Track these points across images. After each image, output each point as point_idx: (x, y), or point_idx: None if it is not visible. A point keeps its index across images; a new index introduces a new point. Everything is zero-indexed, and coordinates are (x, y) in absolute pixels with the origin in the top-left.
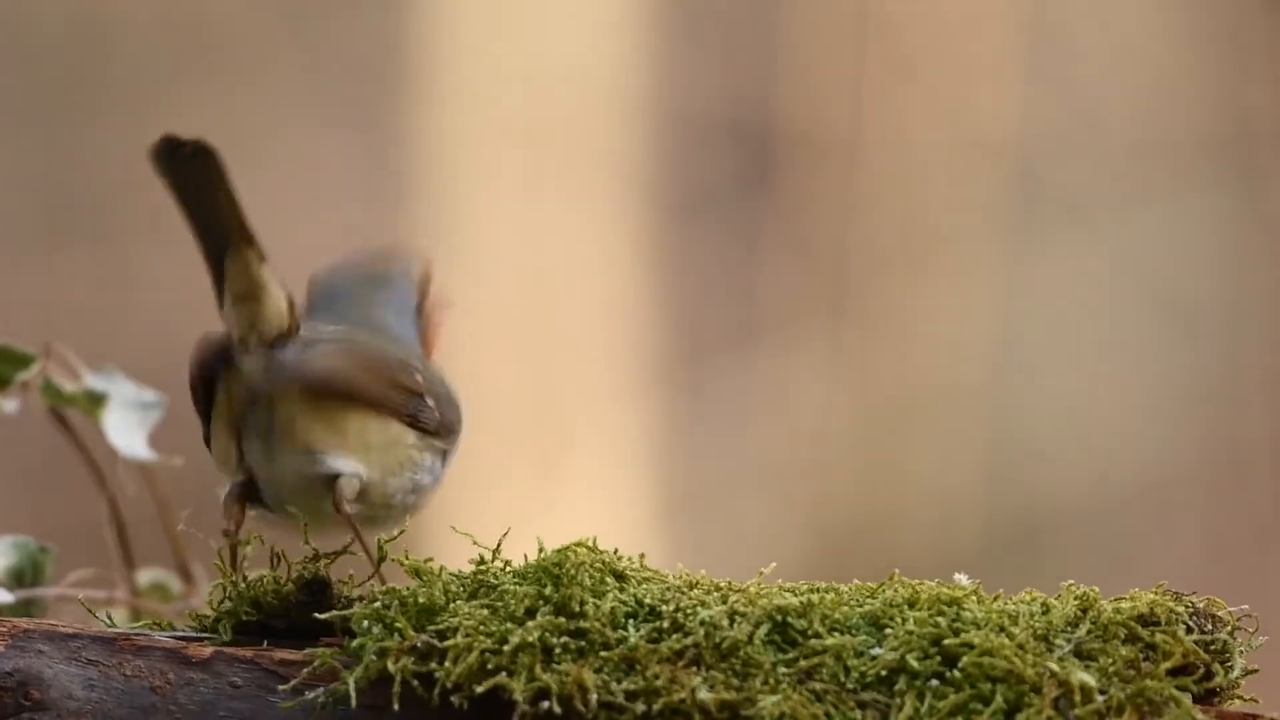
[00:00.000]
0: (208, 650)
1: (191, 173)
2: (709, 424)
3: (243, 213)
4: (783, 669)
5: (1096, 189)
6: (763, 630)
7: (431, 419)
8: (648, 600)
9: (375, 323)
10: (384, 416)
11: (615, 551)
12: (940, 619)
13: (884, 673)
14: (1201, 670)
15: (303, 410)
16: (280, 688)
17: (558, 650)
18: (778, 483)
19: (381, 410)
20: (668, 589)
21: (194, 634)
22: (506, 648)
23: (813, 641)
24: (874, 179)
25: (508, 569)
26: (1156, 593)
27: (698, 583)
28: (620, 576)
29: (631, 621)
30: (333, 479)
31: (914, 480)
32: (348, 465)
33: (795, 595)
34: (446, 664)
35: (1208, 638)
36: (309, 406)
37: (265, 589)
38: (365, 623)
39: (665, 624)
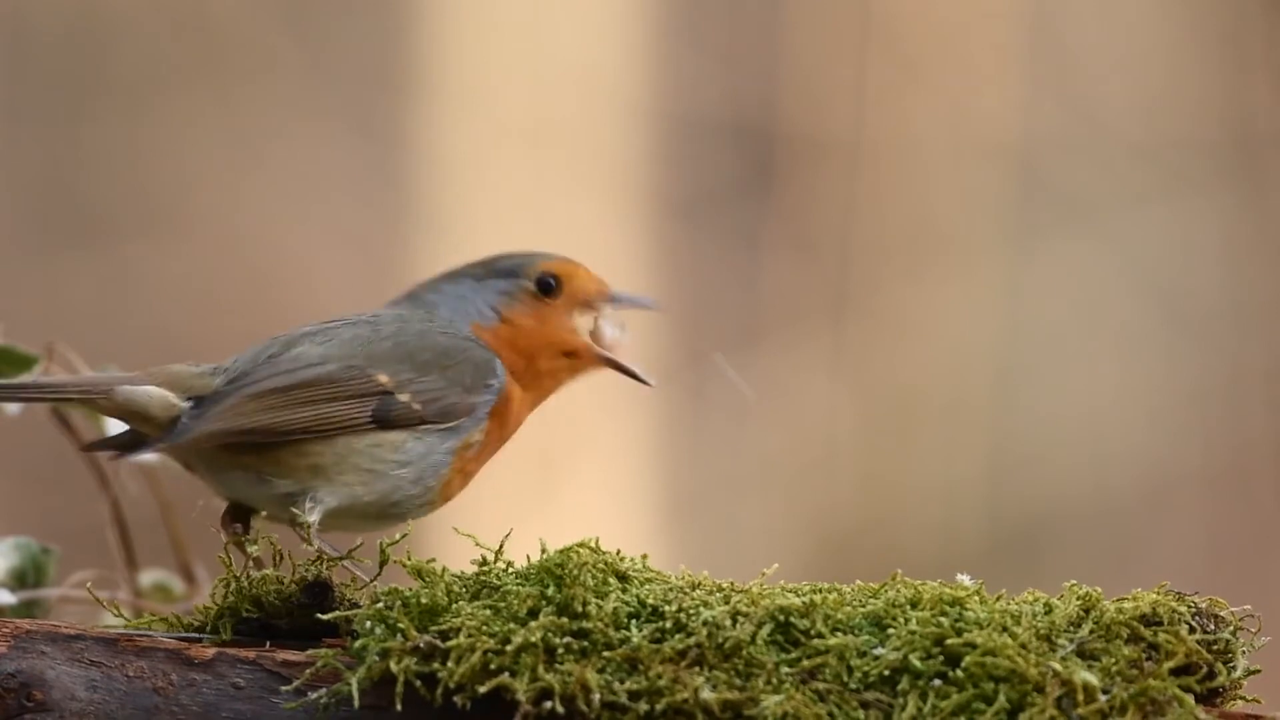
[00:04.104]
0: (210, 651)
1: None
2: (711, 425)
3: None
4: (785, 669)
5: (1098, 190)
6: (765, 630)
7: (406, 412)
8: (650, 601)
9: (413, 306)
10: (322, 437)
11: (618, 552)
12: (943, 619)
13: (887, 672)
14: (1204, 670)
15: (226, 454)
16: (283, 689)
17: (560, 650)
18: (780, 483)
19: (312, 434)
20: (670, 590)
21: (196, 635)
22: (509, 648)
23: (815, 641)
24: (876, 180)
25: (510, 570)
26: (1159, 593)
27: (700, 583)
28: (623, 577)
29: (634, 622)
30: (286, 497)
31: (916, 480)
32: (293, 487)
33: (798, 596)
34: (449, 664)
35: (1210, 637)
36: (229, 452)
37: (268, 588)
38: (368, 623)
39: (668, 624)
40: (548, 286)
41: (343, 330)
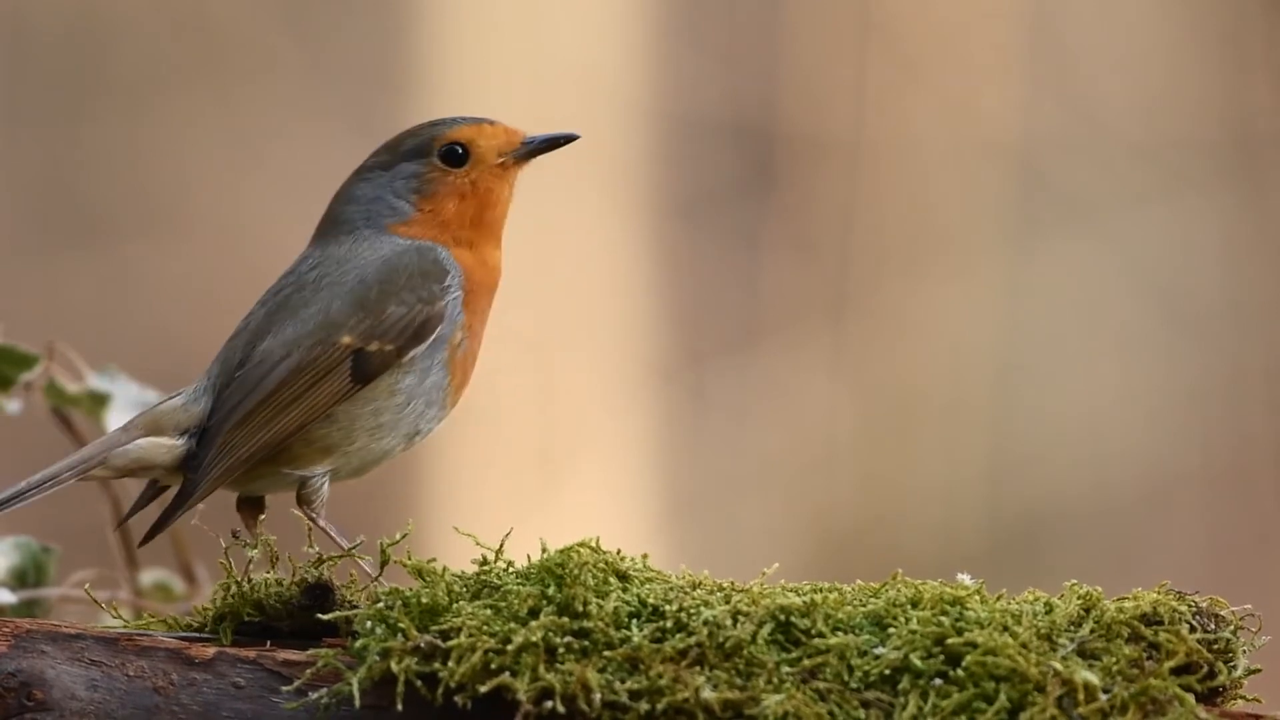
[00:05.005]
0: (210, 651)
1: None
2: (712, 425)
3: None
4: (786, 668)
5: (1099, 189)
6: (766, 630)
7: (380, 358)
8: (651, 600)
9: (337, 230)
10: (321, 420)
11: (618, 552)
12: (943, 618)
13: (887, 672)
14: (1205, 669)
15: (244, 473)
16: (284, 688)
17: (561, 650)
18: (780, 483)
19: (307, 426)
20: (671, 589)
21: (197, 635)
22: (510, 647)
23: (816, 641)
24: (876, 180)
25: (511, 569)
26: (1159, 592)
27: (701, 583)
28: (623, 577)
29: (635, 621)
30: (311, 480)
31: (916, 480)
32: (314, 469)
33: (798, 595)
34: (450, 664)
35: (1211, 636)
36: (244, 473)
37: (268, 592)
38: (368, 623)
39: (668, 624)
40: (455, 156)
41: (293, 310)
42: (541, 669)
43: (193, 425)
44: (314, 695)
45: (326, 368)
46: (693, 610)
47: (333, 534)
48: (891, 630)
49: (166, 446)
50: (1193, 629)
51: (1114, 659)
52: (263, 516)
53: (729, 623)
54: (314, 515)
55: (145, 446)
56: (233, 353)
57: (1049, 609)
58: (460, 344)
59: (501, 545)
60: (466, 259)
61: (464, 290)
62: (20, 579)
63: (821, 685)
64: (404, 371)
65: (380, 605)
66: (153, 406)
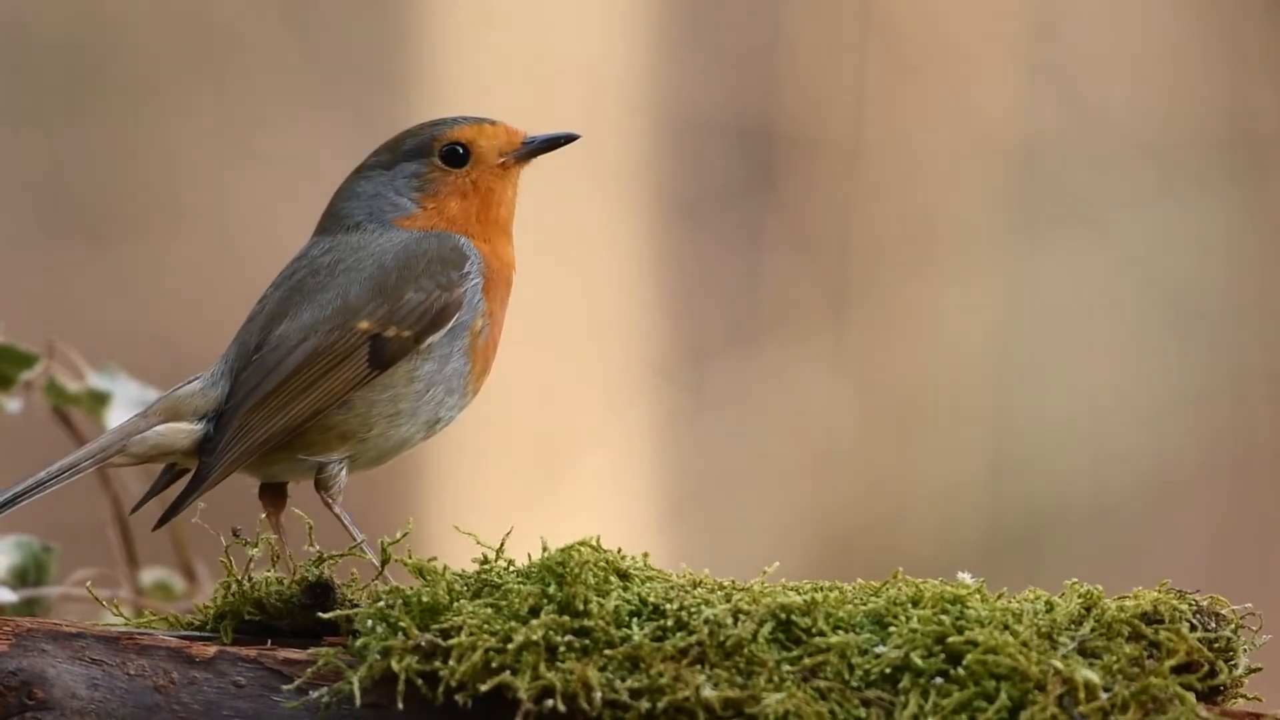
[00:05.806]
0: (211, 649)
1: None
2: (712, 423)
3: None
4: (787, 667)
5: (1099, 188)
6: (767, 628)
7: (398, 344)
8: (651, 599)
9: (339, 226)
10: (338, 406)
11: (619, 550)
12: (944, 617)
13: (888, 670)
14: (1205, 668)
15: (259, 457)
16: (284, 687)
17: (562, 649)
18: (781, 481)
19: (324, 411)
20: (671, 588)
21: (197, 633)
22: (510, 646)
23: (817, 639)
24: (877, 179)
25: (511, 568)
26: (1160, 591)
27: (701, 581)
28: (624, 575)
29: (635, 620)
30: (328, 468)
31: (918, 479)
32: (332, 456)
33: (799, 594)
34: (450, 663)
35: (1211, 635)
36: (260, 458)
37: (269, 590)
38: (369, 622)
39: (669, 622)
40: (456, 156)
41: (309, 294)
42: (542, 667)
43: (211, 409)
44: (315, 694)
45: (344, 353)
46: (693, 609)
47: (346, 522)
48: (892, 629)
49: (186, 431)
50: (1193, 628)
51: (1115, 657)
52: (285, 508)
53: (730, 621)
54: (330, 501)
55: (164, 432)
56: (249, 336)
57: (1050, 608)
58: (482, 331)
59: (502, 544)
60: (484, 249)
61: (483, 277)
62: (21, 578)
63: (822, 684)
64: (423, 358)
65: (381, 604)
66: (170, 392)
